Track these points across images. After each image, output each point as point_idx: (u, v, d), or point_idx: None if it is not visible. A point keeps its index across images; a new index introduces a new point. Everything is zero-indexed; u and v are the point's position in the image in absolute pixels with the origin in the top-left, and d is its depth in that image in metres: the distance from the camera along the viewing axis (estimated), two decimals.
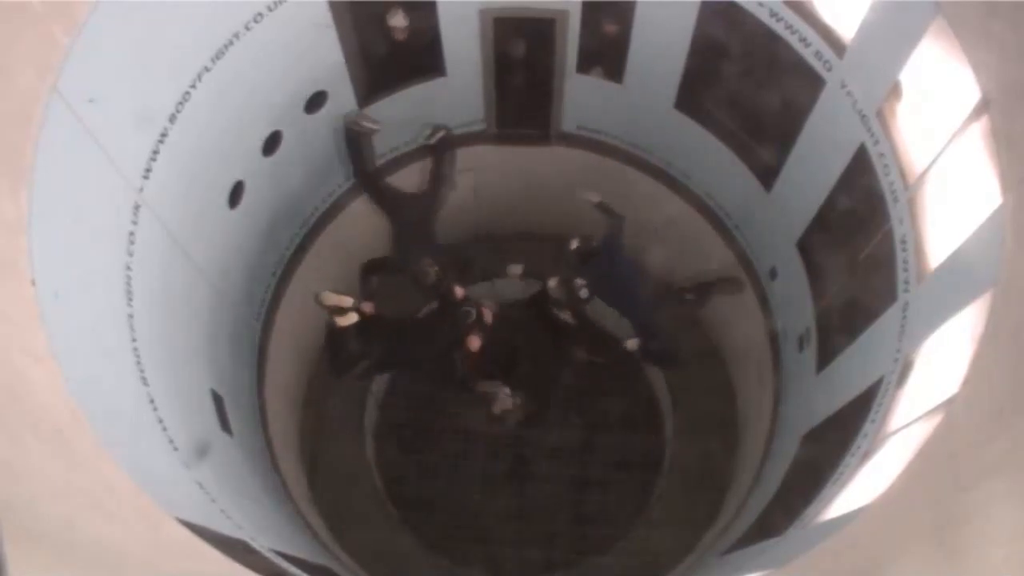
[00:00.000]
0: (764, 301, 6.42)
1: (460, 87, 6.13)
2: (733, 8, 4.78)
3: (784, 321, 6.19)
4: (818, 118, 4.87)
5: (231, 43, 4.31)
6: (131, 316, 3.71)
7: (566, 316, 6.51)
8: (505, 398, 6.33)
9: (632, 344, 6.33)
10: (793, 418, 5.87)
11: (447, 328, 6.17)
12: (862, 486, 3.87)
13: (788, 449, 5.59)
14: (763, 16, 4.69)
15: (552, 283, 6.29)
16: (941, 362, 3.62)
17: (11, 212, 2.77)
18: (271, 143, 5.20)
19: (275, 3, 4.48)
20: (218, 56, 4.25)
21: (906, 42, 3.82)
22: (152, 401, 3.74)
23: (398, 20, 5.50)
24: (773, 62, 4.90)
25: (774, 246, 6.02)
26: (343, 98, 5.67)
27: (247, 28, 4.38)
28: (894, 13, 3.94)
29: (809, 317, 5.56)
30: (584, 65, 5.95)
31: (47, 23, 2.99)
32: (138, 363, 3.70)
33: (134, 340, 3.70)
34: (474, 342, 6.09)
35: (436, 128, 6.31)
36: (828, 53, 4.50)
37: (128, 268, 3.73)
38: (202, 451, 4.16)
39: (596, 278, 6.24)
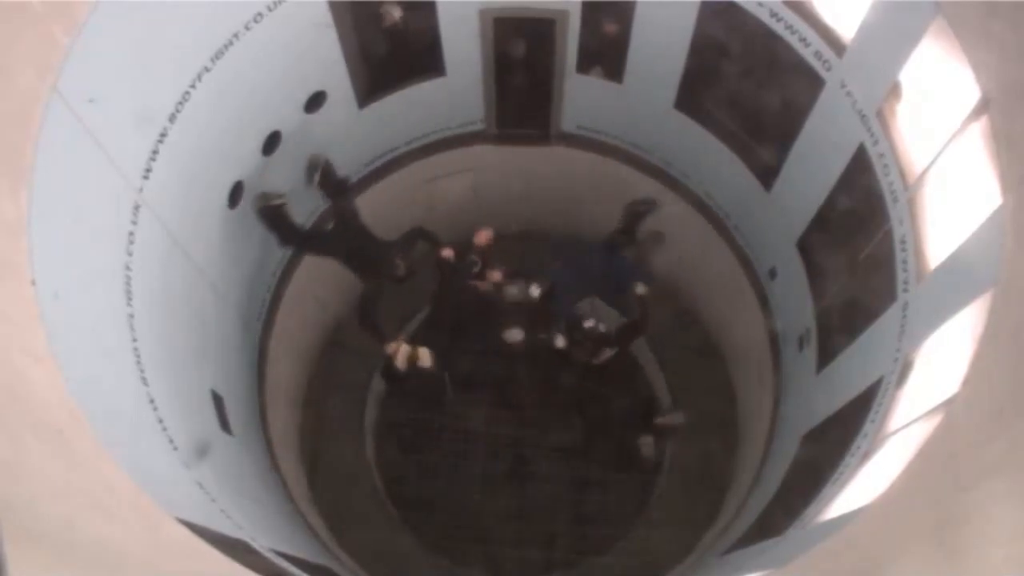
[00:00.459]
0: (764, 301, 6.42)
1: (460, 87, 6.14)
2: (733, 8, 4.78)
3: (784, 321, 6.19)
4: (818, 118, 4.88)
5: (231, 43, 4.31)
6: (131, 316, 3.71)
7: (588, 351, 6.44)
8: (521, 290, 6.31)
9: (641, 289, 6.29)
10: (793, 418, 5.88)
11: (458, 282, 6.27)
12: (862, 486, 3.87)
13: (788, 449, 5.59)
14: (763, 16, 4.70)
15: (559, 342, 6.26)
16: (941, 362, 3.62)
17: (11, 212, 2.77)
18: (271, 143, 5.20)
19: (275, 3, 4.48)
20: (218, 56, 4.25)
21: (906, 42, 3.83)
22: (152, 401, 3.74)
23: (393, 9, 5.45)
24: (773, 62, 4.90)
25: (774, 246, 6.03)
26: (343, 98, 5.67)
27: (247, 28, 4.38)
28: (894, 13, 3.94)
29: (809, 317, 5.56)
30: (584, 65, 5.95)
31: (47, 23, 2.99)
32: (138, 363, 3.70)
33: (134, 340, 3.70)
34: (494, 275, 6.26)
35: (313, 160, 5.71)
36: (828, 53, 4.51)
37: (128, 268, 3.73)
38: (202, 451, 4.16)
39: (572, 282, 6.32)
